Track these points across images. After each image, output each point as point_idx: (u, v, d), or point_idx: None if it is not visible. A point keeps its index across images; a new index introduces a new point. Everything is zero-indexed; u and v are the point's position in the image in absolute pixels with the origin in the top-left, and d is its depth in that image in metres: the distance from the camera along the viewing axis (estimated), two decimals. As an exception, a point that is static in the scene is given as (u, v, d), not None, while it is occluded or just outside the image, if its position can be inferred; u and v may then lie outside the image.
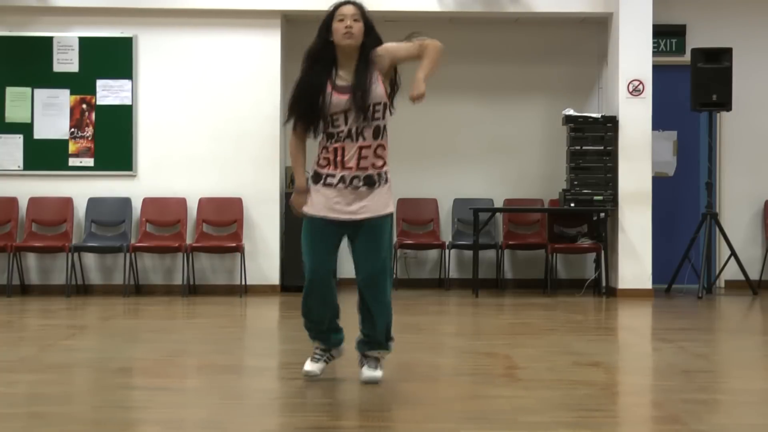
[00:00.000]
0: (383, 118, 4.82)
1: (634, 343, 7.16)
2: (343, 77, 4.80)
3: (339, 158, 4.79)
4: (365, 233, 4.82)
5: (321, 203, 4.82)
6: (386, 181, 4.86)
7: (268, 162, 10.10)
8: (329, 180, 4.81)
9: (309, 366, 5.06)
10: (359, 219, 4.80)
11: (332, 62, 4.82)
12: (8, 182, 10.03)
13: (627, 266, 9.82)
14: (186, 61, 10.18)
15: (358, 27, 4.79)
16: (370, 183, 4.81)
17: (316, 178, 4.86)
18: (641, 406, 4.75)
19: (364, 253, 4.83)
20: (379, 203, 4.82)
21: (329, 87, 4.77)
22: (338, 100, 4.75)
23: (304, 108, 4.81)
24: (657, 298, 9.69)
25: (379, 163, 4.82)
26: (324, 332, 5.05)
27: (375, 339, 4.97)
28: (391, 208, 4.89)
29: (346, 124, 4.76)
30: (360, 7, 4.86)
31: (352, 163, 4.78)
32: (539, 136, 10.84)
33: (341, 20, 4.78)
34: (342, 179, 4.79)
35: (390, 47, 4.85)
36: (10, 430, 4.06)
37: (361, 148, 4.78)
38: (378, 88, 4.79)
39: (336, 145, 4.79)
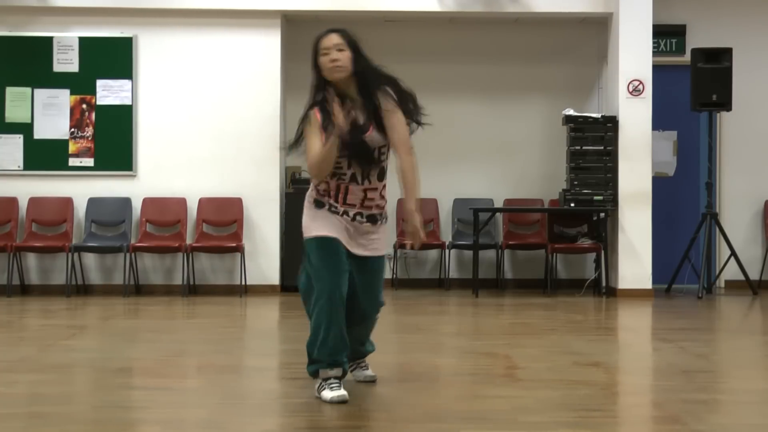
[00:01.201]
0: (387, 158, 4.71)
1: (634, 343, 7.16)
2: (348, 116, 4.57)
3: (342, 195, 4.65)
4: (367, 271, 4.72)
5: (335, 226, 4.62)
6: (386, 219, 4.81)
7: (268, 162, 10.10)
8: (333, 209, 4.65)
9: (336, 392, 4.58)
10: (364, 255, 4.70)
11: (341, 100, 4.56)
12: (8, 182, 10.03)
13: (627, 266, 9.82)
14: (186, 61, 10.19)
15: (345, 56, 4.58)
16: (373, 221, 4.72)
17: (319, 204, 4.67)
18: (641, 406, 4.75)
19: (365, 290, 4.74)
20: (382, 243, 4.77)
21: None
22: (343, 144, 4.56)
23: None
24: (657, 298, 9.69)
25: (383, 203, 4.75)
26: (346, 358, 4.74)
27: (361, 352, 5.03)
28: (387, 250, 4.86)
29: (349, 168, 4.62)
30: (342, 34, 4.63)
31: (357, 203, 4.66)
32: (539, 136, 10.84)
33: (326, 54, 4.58)
34: (345, 213, 4.65)
35: (388, 117, 4.66)
36: (10, 430, 4.06)
37: (366, 191, 4.67)
38: (376, 136, 4.63)
39: (339, 183, 4.64)
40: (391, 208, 10.71)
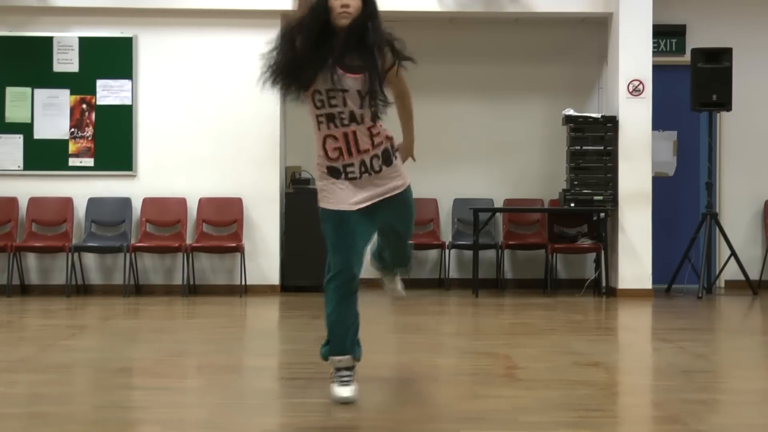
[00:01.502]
0: (377, 106, 4.59)
1: (634, 343, 7.16)
2: (347, 58, 4.55)
3: (352, 142, 4.53)
4: (397, 206, 4.66)
5: (350, 196, 4.53)
6: (396, 150, 4.73)
7: (268, 162, 10.10)
8: (351, 173, 4.54)
9: (347, 390, 4.47)
10: (390, 196, 4.62)
11: (332, 39, 4.55)
12: (8, 182, 10.03)
13: (627, 266, 9.82)
14: (186, 61, 10.19)
15: (355, 4, 4.56)
16: (387, 160, 4.62)
17: (335, 172, 4.55)
18: (641, 406, 4.75)
19: (402, 223, 4.75)
20: (400, 177, 4.68)
21: (335, 66, 4.51)
22: (349, 80, 4.51)
23: (295, 77, 4.63)
24: (657, 298, 9.69)
25: (387, 133, 4.65)
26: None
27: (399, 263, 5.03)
28: (408, 180, 4.75)
29: (344, 105, 4.50)
30: None
31: (368, 145, 4.55)
32: (539, 136, 10.84)
33: None
34: (362, 165, 4.56)
35: (390, 73, 4.74)
36: (10, 430, 4.06)
37: (369, 128, 4.56)
38: (364, 83, 4.56)
39: (345, 130, 4.52)
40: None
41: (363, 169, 4.55)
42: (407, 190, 4.74)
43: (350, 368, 4.49)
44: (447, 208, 10.79)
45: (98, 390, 5.06)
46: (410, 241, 4.96)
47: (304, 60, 4.58)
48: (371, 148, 4.56)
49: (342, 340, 4.48)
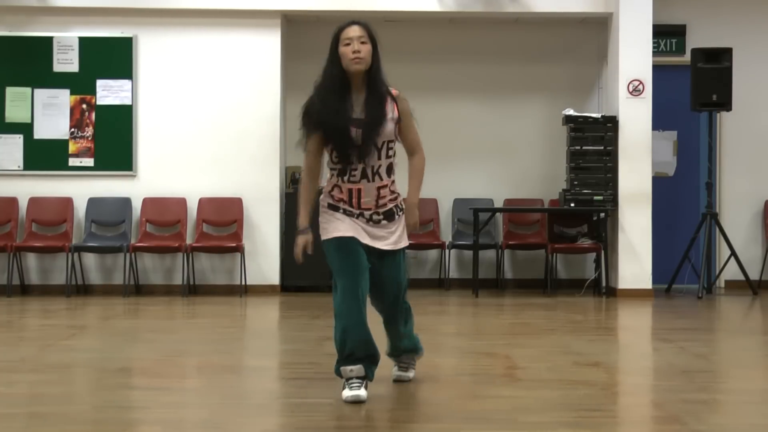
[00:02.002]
0: (393, 156, 4.68)
1: (634, 343, 7.16)
2: (356, 109, 4.59)
3: (356, 200, 4.62)
4: (392, 262, 4.71)
5: (351, 226, 4.60)
6: (401, 211, 4.77)
7: (269, 162, 10.10)
8: (348, 212, 4.63)
9: (353, 392, 4.56)
10: (384, 249, 4.66)
11: (347, 90, 4.60)
12: (8, 182, 10.03)
13: (627, 266, 9.82)
14: (186, 61, 10.19)
15: (366, 49, 4.59)
16: (390, 218, 4.70)
17: (334, 207, 4.65)
18: (641, 406, 4.75)
19: (389, 282, 4.73)
20: (402, 237, 4.74)
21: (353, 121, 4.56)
22: (354, 133, 4.55)
23: (329, 132, 4.56)
24: (657, 298, 9.69)
25: (395, 198, 4.72)
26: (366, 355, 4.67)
27: (400, 348, 5.05)
28: (406, 243, 4.79)
29: (359, 161, 4.56)
30: (365, 27, 4.66)
31: (371, 204, 4.63)
32: (539, 136, 10.84)
33: (347, 44, 4.58)
34: (361, 215, 4.64)
35: (406, 120, 4.76)
36: (10, 430, 4.06)
37: (379, 188, 4.64)
38: (389, 126, 4.63)
39: (351, 186, 4.60)
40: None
41: (361, 217, 4.65)
42: (401, 253, 4.76)
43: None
44: (447, 208, 10.79)
45: (98, 390, 5.05)
46: (408, 317, 4.97)
47: (326, 116, 4.57)
48: (374, 207, 4.65)
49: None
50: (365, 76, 4.62)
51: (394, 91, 4.72)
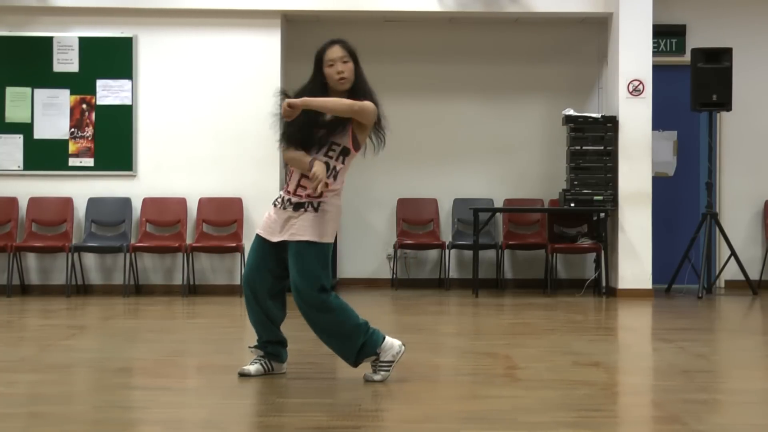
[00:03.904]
0: (336, 160, 4.92)
1: (634, 343, 7.16)
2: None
3: (288, 180, 5.06)
4: (291, 256, 4.96)
5: (264, 224, 5.08)
6: (315, 210, 4.93)
7: (269, 162, 10.10)
8: (276, 202, 5.11)
9: (246, 366, 5.21)
10: (282, 240, 4.98)
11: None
12: (8, 182, 10.03)
13: (627, 266, 9.82)
14: (186, 61, 10.19)
15: (349, 68, 4.92)
16: (296, 208, 4.97)
17: (276, 199, 5.15)
18: (641, 406, 4.75)
19: (291, 273, 4.98)
20: (302, 228, 4.93)
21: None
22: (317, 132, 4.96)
23: (296, 142, 4.98)
24: (657, 298, 9.69)
25: (317, 196, 4.92)
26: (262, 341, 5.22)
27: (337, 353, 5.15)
28: (313, 237, 4.90)
29: (316, 152, 4.93)
30: (345, 46, 4.96)
31: (291, 189, 5.01)
32: (539, 136, 10.84)
33: (331, 65, 4.91)
34: (281, 200, 5.05)
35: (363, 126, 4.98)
36: (10, 430, 4.06)
37: (302, 177, 4.96)
38: (345, 133, 4.91)
39: (291, 168, 5.06)
40: (390, 206, 10.71)
41: (277, 201, 5.08)
42: (299, 245, 4.93)
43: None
44: (447, 208, 10.79)
45: (98, 390, 5.05)
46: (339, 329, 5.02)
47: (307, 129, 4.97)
48: (292, 192, 4.99)
49: None
50: (348, 93, 4.94)
51: (369, 104, 4.93)
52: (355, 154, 5.01)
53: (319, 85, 4.96)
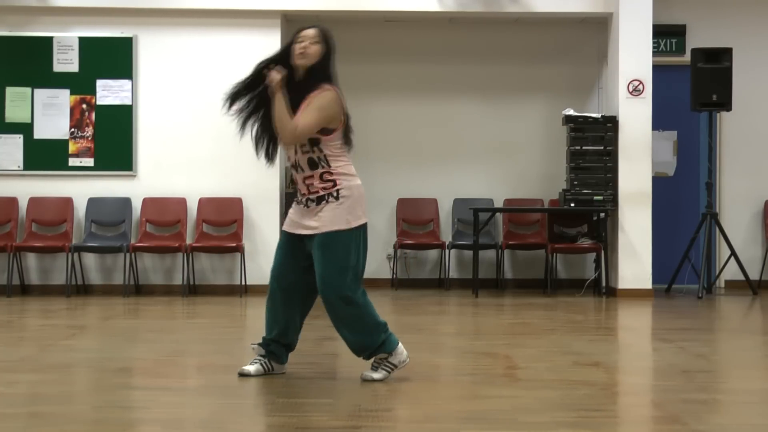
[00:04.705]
0: (312, 151, 4.94)
1: (634, 343, 7.16)
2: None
3: (296, 185, 5.10)
4: (317, 248, 4.95)
5: (288, 220, 5.10)
6: (337, 198, 4.94)
7: (268, 162, 10.08)
8: (296, 200, 5.10)
9: (246, 366, 5.21)
10: (309, 234, 4.97)
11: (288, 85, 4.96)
12: (8, 182, 10.03)
13: (627, 266, 9.82)
14: (186, 61, 10.19)
15: (315, 49, 4.96)
16: (318, 201, 4.96)
17: (294, 197, 5.17)
18: (641, 406, 4.75)
19: (316, 268, 4.96)
20: (326, 220, 4.92)
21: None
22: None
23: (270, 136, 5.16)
24: (657, 298, 9.69)
25: (328, 185, 4.95)
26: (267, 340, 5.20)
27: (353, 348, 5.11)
28: (340, 226, 4.91)
29: (295, 154, 5.00)
30: (321, 31, 5.02)
31: (304, 191, 5.02)
32: (539, 136, 10.84)
33: (300, 42, 4.96)
34: (302, 199, 5.04)
35: (310, 103, 4.95)
36: (10, 430, 4.06)
37: (305, 178, 4.99)
38: None
39: (293, 174, 5.10)
40: (390, 206, 10.71)
41: (298, 201, 5.09)
42: (324, 236, 4.93)
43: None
44: (447, 208, 10.79)
45: (98, 390, 5.06)
46: (361, 324, 5.01)
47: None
48: (307, 194, 5.00)
49: None
50: (307, 73, 4.97)
51: (325, 88, 4.93)
52: (331, 137, 4.94)
53: (284, 55, 5.02)
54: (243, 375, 5.14)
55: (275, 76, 4.88)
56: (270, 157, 5.18)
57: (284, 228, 5.11)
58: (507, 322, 8.16)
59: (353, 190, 4.96)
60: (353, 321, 4.98)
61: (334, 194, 4.94)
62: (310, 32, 4.98)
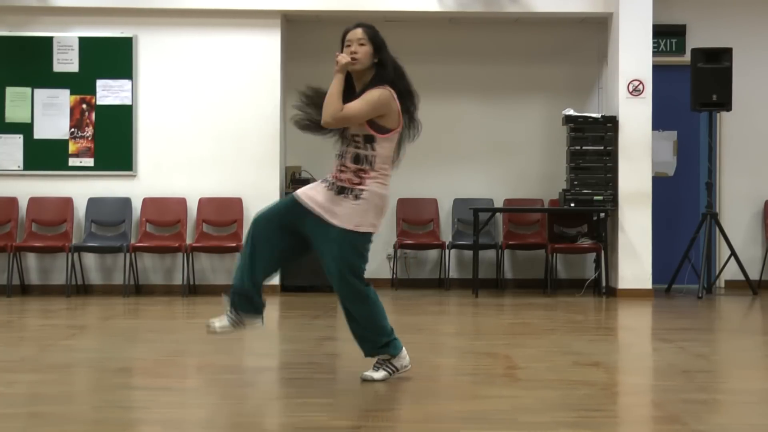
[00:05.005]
0: (364, 148, 4.93)
1: (634, 343, 7.16)
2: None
3: (333, 167, 5.05)
4: (326, 241, 4.92)
5: (306, 191, 5.02)
6: (356, 197, 4.92)
7: (268, 162, 10.10)
8: (324, 179, 5.05)
9: (217, 322, 5.10)
10: (315, 211, 4.92)
11: (351, 88, 4.99)
12: (8, 182, 10.03)
13: (627, 266, 9.82)
14: (186, 61, 10.19)
15: (364, 51, 4.95)
16: (338, 191, 4.95)
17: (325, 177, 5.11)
18: (641, 406, 4.75)
19: (329, 263, 4.95)
20: (344, 218, 4.90)
21: None
22: None
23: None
24: (657, 298, 9.69)
25: (356, 180, 4.95)
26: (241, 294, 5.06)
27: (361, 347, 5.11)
28: (348, 226, 4.90)
29: (347, 146, 4.99)
30: (367, 30, 5.00)
31: (334, 174, 5.01)
32: (539, 136, 10.84)
33: (348, 45, 4.96)
34: (329, 181, 5.01)
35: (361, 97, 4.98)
36: (10, 430, 4.06)
37: (340, 165, 4.99)
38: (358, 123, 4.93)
39: (335, 156, 5.08)
40: (390, 206, 10.71)
41: (326, 181, 5.04)
42: (337, 230, 4.91)
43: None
44: (447, 208, 10.79)
45: (98, 390, 5.05)
46: (374, 322, 5.03)
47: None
48: (333, 175, 4.99)
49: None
50: (370, 75, 4.98)
51: (378, 89, 4.94)
52: (388, 137, 4.95)
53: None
54: (210, 329, 5.09)
55: (342, 59, 4.91)
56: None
57: (297, 192, 5.02)
58: (507, 322, 8.16)
59: (374, 198, 4.94)
60: (365, 317, 5.00)
61: (356, 192, 4.93)
62: (357, 34, 4.97)
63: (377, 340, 5.02)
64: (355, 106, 4.88)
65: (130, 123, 10.09)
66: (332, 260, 4.91)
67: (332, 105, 4.88)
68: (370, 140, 4.93)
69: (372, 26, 5.04)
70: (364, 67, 4.94)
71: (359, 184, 4.93)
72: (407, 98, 5.11)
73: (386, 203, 5.02)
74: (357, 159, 4.94)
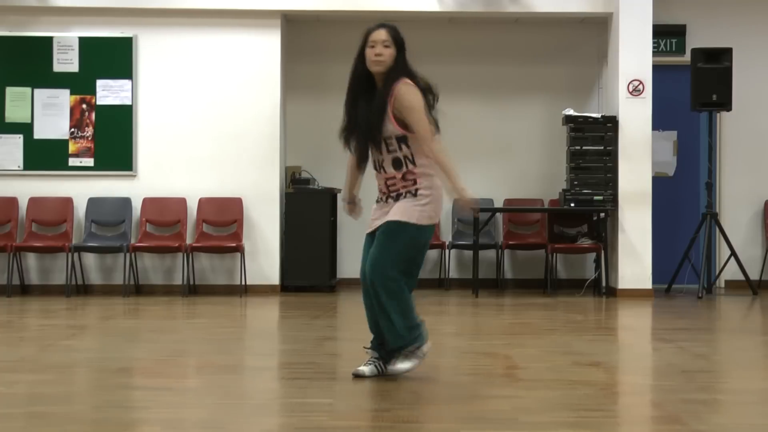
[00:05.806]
0: (400, 150, 4.97)
1: (634, 343, 7.16)
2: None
3: (378, 186, 5.10)
4: (378, 235, 5.02)
5: (369, 222, 5.12)
6: (414, 195, 4.99)
7: (268, 162, 10.10)
8: (377, 199, 5.13)
9: (361, 367, 5.14)
10: (378, 225, 5.03)
11: (373, 89, 5.01)
12: (8, 182, 10.03)
13: (627, 266, 9.81)
14: (186, 61, 10.18)
15: (389, 53, 4.99)
16: (396, 198, 5.02)
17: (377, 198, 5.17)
18: (641, 406, 4.75)
19: (371, 251, 5.02)
20: (394, 211, 4.97)
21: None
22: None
23: (356, 141, 5.08)
24: (657, 298, 9.69)
25: (409, 183, 5.00)
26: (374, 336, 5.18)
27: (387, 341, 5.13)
28: (402, 218, 4.95)
29: (374, 154, 5.04)
30: (391, 31, 5.04)
31: (384, 190, 5.07)
32: (539, 136, 10.84)
33: (372, 46, 4.97)
34: (379, 197, 5.11)
35: (407, 109, 4.97)
36: (10, 430, 4.06)
37: (386, 179, 5.01)
38: (388, 125, 4.94)
39: (376, 173, 5.09)
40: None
41: (379, 199, 5.12)
42: (387, 224, 4.98)
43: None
44: (447, 208, 10.78)
45: (98, 390, 5.05)
46: (400, 315, 5.16)
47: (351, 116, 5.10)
48: (387, 193, 5.04)
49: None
50: (385, 76, 5.00)
51: (401, 83, 4.97)
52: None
53: (360, 69, 5.03)
54: (357, 376, 5.07)
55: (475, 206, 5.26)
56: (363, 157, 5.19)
57: (367, 231, 5.12)
58: (507, 322, 8.16)
59: (433, 191, 5.05)
60: (394, 311, 5.11)
61: (413, 191, 4.99)
62: (381, 35, 4.99)
63: (407, 337, 5.12)
64: (423, 127, 4.96)
65: (130, 123, 10.09)
66: (377, 248, 4.99)
67: (438, 158, 5.11)
68: (403, 140, 4.97)
69: (394, 26, 5.08)
70: (388, 69, 4.98)
71: (414, 183, 4.99)
72: (427, 93, 5.16)
73: (442, 192, 5.16)
74: (397, 163, 4.98)
